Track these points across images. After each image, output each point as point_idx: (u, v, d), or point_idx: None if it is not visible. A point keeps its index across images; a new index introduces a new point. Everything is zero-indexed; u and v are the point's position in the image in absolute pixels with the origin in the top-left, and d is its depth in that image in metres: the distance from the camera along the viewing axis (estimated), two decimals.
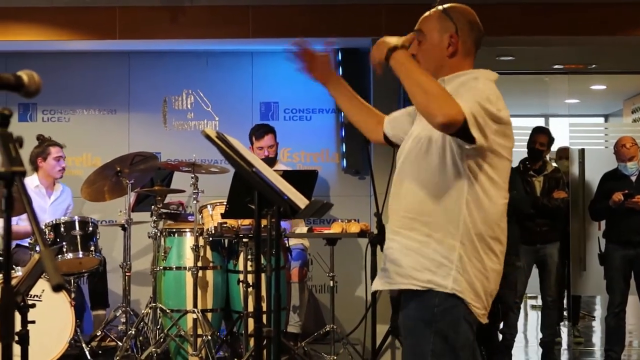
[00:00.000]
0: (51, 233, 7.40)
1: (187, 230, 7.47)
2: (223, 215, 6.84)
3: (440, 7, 3.55)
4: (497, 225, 3.41)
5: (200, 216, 7.41)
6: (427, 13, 3.58)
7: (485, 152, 3.31)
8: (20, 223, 7.67)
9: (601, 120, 15.91)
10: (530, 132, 8.45)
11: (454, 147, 3.31)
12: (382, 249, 3.64)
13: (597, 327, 11.19)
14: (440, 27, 3.50)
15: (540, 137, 8.33)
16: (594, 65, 11.08)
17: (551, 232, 8.30)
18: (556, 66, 11.04)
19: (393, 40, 3.38)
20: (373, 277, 5.86)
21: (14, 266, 6.52)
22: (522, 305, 10.50)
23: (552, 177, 8.31)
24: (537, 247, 8.19)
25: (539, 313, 8.95)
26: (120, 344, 7.40)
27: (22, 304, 5.07)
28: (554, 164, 8.95)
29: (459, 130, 3.17)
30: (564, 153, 9.83)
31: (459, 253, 3.32)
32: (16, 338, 4.45)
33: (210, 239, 7.36)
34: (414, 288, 3.39)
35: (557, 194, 8.22)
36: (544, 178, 8.27)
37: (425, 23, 3.55)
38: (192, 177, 7.38)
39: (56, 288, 2.01)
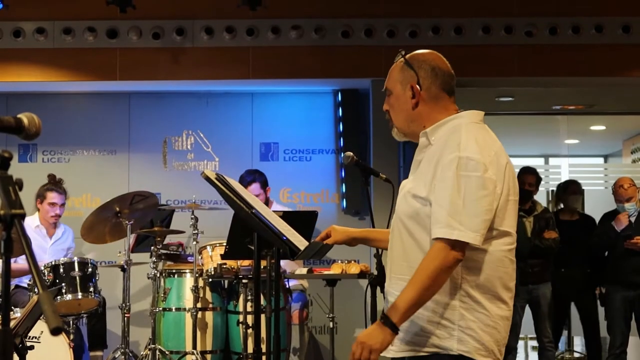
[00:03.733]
0: (50, 274, 7.38)
1: (187, 271, 7.46)
2: (223, 256, 6.83)
3: (402, 58, 3.44)
4: (504, 272, 3.29)
5: (199, 257, 7.40)
6: (392, 67, 3.49)
7: None
8: (19, 260, 7.65)
9: (601, 160, 15.90)
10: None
11: None
12: (382, 291, 3.59)
13: None
14: (402, 78, 3.41)
15: (528, 178, 8.34)
16: (593, 106, 11.11)
17: (543, 272, 8.29)
18: (556, 107, 11.08)
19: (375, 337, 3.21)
20: (373, 318, 5.83)
21: (12, 307, 6.50)
22: (522, 346, 10.45)
23: (542, 217, 8.30)
24: (529, 287, 8.17)
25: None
26: None
27: (21, 345, 5.05)
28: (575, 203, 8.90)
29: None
30: (577, 187, 9.22)
31: (459, 312, 3.21)
32: None
33: (210, 280, 7.35)
34: (418, 354, 3.28)
35: (548, 234, 8.21)
36: (534, 218, 8.26)
37: (390, 78, 3.47)
38: (191, 218, 7.38)
39: (54, 331, 2.00)
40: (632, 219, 8.10)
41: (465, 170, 3.17)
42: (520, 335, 9.74)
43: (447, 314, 3.21)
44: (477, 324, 3.22)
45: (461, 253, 3.13)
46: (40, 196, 8.21)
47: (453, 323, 3.22)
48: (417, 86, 3.37)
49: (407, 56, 3.44)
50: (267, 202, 8.18)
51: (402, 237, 3.38)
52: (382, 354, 3.44)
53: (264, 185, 8.23)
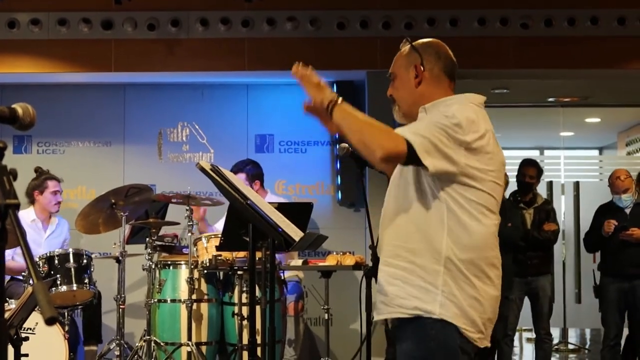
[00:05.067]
0: (45, 265, 7.37)
1: (182, 262, 7.45)
2: (218, 248, 6.82)
3: (408, 44, 3.60)
4: (490, 249, 3.38)
5: (195, 249, 7.39)
6: (398, 53, 3.64)
7: (461, 177, 3.30)
8: (16, 257, 7.65)
9: (595, 152, 15.94)
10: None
11: (427, 175, 3.33)
12: (376, 282, 3.62)
13: None
14: (406, 62, 3.56)
15: (529, 170, 8.31)
16: (588, 98, 11.12)
17: (542, 264, 8.27)
18: (551, 99, 11.08)
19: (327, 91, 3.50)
20: (368, 310, 5.84)
21: (7, 299, 6.49)
22: (517, 338, 10.47)
23: (543, 210, 8.28)
24: (528, 279, 8.14)
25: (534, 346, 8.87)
26: None
27: (16, 337, 5.05)
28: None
29: (411, 160, 3.24)
30: None
31: (443, 278, 3.28)
32: None
33: (205, 271, 7.34)
34: (401, 316, 3.36)
35: (548, 226, 8.19)
36: (534, 210, 8.23)
37: (395, 63, 3.62)
38: (186, 210, 7.37)
39: (49, 321, 2.00)
40: (628, 211, 8.10)
41: (444, 119, 3.30)
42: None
43: (432, 279, 3.30)
44: (461, 294, 3.30)
45: (401, 153, 3.24)
46: (40, 187, 8.16)
47: (437, 288, 3.30)
48: (421, 66, 3.51)
49: (413, 42, 3.59)
50: None
51: (397, 204, 3.47)
52: (374, 319, 3.52)
53: (253, 177, 8.18)
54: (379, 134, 3.24)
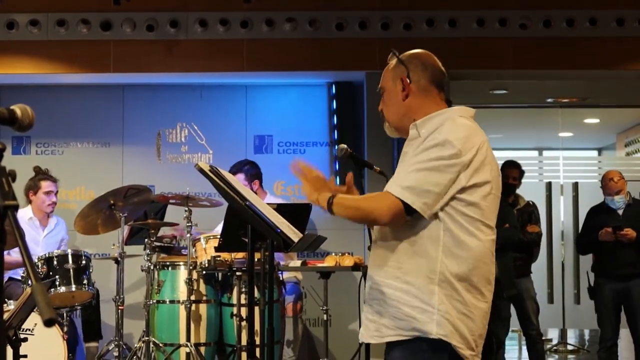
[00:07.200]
0: (44, 266, 7.36)
1: (181, 263, 7.45)
2: (217, 249, 6.82)
3: (395, 58, 3.58)
4: (483, 263, 3.37)
5: (193, 249, 7.38)
6: (386, 67, 3.63)
7: (461, 195, 3.29)
8: (12, 253, 7.65)
9: (594, 153, 15.94)
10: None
11: None
12: (367, 302, 3.60)
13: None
14: (393, 74, 3.55)
15: (512, 172, 8.28)
16: (587, 99, 11.12)
17: (525, 265, 8.27)
18: (550, 100, 11.08)
19: (323, 192, 3.61)
20: None
21: (6, 299, 6.49)
22: (517, 339, 10.46)
23: (525, 211, 8.27)
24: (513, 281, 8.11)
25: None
26: None
27: (14, 337, 5.05)
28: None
29: (410, 212, 3.28)
30: None
31: (439, 297, 3.28)
32: None
33: (204, 272, 7.34)
34: (401, 339, 3.35)
35: (532, 228, 8.19)
36: (517, 212, 8.20)
37: (383, 77, 3.62)
38: (185, 211, 7.37)
39: (48, 323, 2.00)
40: (620, 212, 8.10)
41: (436, 151, 3.28)
42: (515, 329, 9.73)
43: (428, 299, 3.29)
44: (453, 311, 3.30)
45: (402, 211, 3.29)
46: (34, 187, 8.20)
47: (433, 307, 3.29)
48: (407, 79, 3.49)
49: (400, 55, 3.57)
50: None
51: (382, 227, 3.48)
52: (367, 340, 3.48)
53: (252, 177, 8.19)
54: (374, 204, 3.37)
